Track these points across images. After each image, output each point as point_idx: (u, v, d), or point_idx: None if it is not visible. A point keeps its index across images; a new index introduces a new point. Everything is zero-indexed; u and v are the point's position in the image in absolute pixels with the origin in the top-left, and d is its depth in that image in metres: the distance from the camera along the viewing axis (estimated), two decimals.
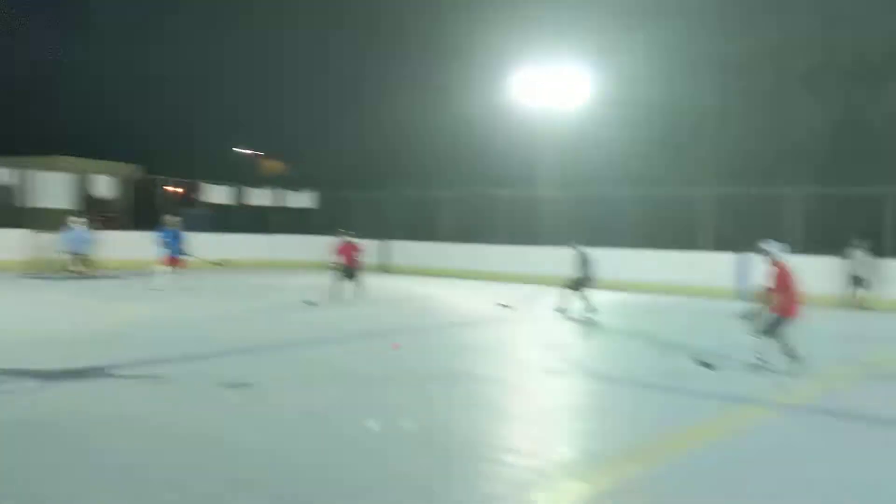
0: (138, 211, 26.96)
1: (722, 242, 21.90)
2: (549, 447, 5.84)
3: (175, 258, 16.41)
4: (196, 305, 14.44)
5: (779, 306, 8.79)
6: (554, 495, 4.79)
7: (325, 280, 16.14)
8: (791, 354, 8.74)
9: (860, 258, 18.12)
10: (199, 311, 13.75)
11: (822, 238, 23.15)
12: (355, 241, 16.14)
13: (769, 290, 8.89)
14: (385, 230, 27.38)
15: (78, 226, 19.94)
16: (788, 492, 5.03)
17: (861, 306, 17.88)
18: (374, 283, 18.44)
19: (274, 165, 56.82)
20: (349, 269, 15.83)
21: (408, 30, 39.71)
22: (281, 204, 28.62)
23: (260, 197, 28.45)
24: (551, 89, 25.32)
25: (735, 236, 23.62)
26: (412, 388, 7.77)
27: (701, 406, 7.41)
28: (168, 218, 16.86)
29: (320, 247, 28.28)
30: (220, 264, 18.09)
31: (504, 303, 15.72)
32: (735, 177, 26.31)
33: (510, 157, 31.00)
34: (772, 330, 8.85)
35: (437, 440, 5.90)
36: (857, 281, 18.19)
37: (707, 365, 8.99)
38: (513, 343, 11.15)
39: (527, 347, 10.80)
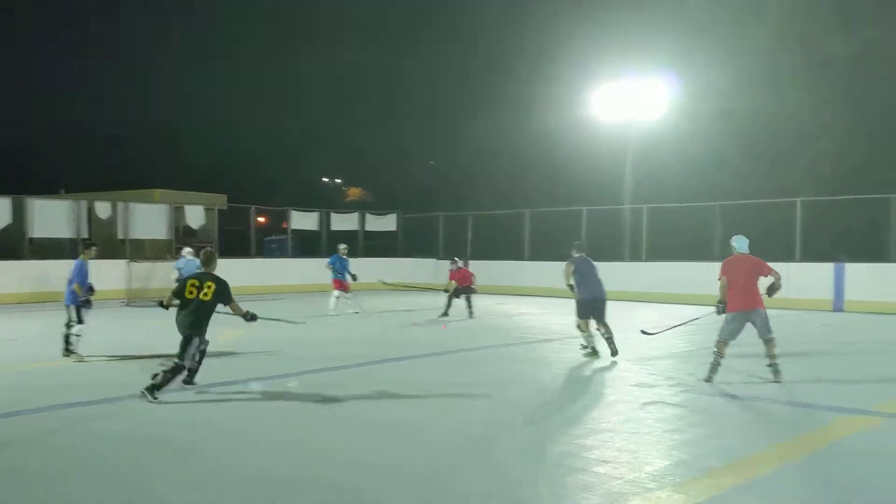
0: (227, 238, 27.90)
1: (813, 253, 21.08)
2: (642, 458, 5.71)
3: (342, 282, 17.37)
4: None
5: None
6: None
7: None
8: None
9: None
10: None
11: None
12: (466, 266, 17.33)
13: None
14: (465, 249, 27.50)
15: (189, 255, 20.77)
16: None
17: None
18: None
19: (356, 191, 58.06)
20: (463, 291, 16.86)
21: (483, 51, 40.07)
22: (364, 228, 29.14)
23: (344, 222, 29.03)
24: (632, 102, 24.97)
25: (828, 247, 22.73)
26: (500, 401, 7.75)
27: (799, 418, 7.13)
28: (340, 246, 18.02)
29: (404, 269, 28.60)
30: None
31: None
32: (830, 185, 25.32)
33: (591, 172, 30.72)
34: None
35: (531, 453, 5.86)
36: None
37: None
38: (601, 359, 10.95)
39: (612, 362, 10.59)
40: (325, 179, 59.01)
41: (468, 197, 34.46)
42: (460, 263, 17.31)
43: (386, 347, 12.08)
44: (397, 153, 44.90)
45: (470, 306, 16.84)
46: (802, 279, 19.87)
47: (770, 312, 8.93)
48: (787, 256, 20.96)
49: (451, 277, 17.05)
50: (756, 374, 9.58)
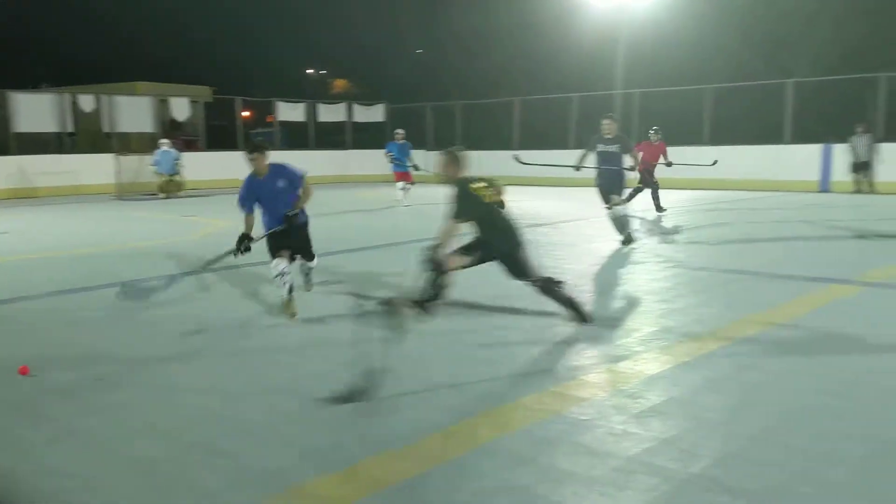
0: (213, 132, 27.56)
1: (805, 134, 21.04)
2: (630, 326, 5.94)
3: (404, 173, 16.50)
4: None
5: None
6: (638, 365, 4.92)
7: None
8: None
9: (863, 143, 18.67)
10: None
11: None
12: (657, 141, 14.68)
13: None
14: (455, 139, 27.30)
15: (167, 147, 20.62)
16: (862, 363, 5.04)
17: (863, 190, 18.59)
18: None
19: (342, 83, 56.94)
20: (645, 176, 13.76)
21: None
22: (352, 119, 28.78)
23: (331, 113, 28.66)
24: None
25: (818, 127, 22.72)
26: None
27: (782, 287, 7.37)
28: (397, 132, 16.92)
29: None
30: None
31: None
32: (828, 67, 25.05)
33: (582, 59, 30.19)
34: None
35: (529, 324, 6.09)
36: (859, 166, 18.79)
37: None
38: (594, 239, 11.14)
39: (608, 243, 10.78)
40: (309, 71, 57.74)
41: (456, 87, 33.91)
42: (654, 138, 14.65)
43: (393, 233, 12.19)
44: (383, 44, 43.84)
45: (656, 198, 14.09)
46: (791, 160, 19.98)
47: (756, 194, 9.05)
48: (777, 138, 20.99)
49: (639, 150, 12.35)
50: (740, 253, 9.82)
